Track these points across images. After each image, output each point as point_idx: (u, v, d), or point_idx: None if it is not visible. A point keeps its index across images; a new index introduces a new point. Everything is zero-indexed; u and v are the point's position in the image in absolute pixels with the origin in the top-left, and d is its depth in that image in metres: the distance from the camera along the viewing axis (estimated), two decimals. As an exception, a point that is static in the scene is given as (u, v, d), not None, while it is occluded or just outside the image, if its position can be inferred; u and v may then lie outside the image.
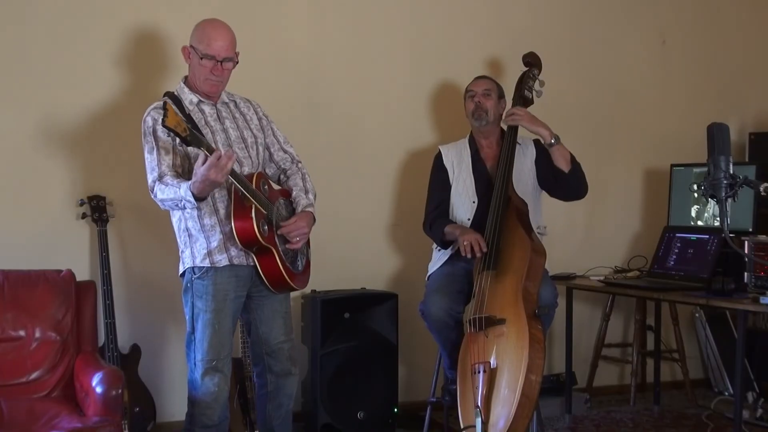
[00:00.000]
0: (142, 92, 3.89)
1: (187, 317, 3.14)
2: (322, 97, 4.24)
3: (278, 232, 3.09)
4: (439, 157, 3.93)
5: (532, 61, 4.01)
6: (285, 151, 3.33)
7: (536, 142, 3.89)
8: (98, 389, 3.00)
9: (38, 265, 3.47)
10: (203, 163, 2.78)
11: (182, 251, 3.17)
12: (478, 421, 3.19)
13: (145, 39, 3.92)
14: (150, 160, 3.04)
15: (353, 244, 4.28)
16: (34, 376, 3.27)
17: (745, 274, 3.71)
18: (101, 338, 3.65)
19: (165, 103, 2.77)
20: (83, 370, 3.23)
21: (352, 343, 3.96)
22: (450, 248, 3.79)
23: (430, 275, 3.84)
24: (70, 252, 3.81)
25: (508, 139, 3.75)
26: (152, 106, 3.07)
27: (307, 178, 3.31)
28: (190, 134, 2.77)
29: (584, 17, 4.81)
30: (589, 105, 4.81)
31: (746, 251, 3.73)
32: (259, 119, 3.28)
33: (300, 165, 3.34)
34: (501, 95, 3.90)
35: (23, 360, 3.27)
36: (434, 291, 3.63)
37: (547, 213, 3.98)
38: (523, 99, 3.90)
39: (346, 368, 3.94)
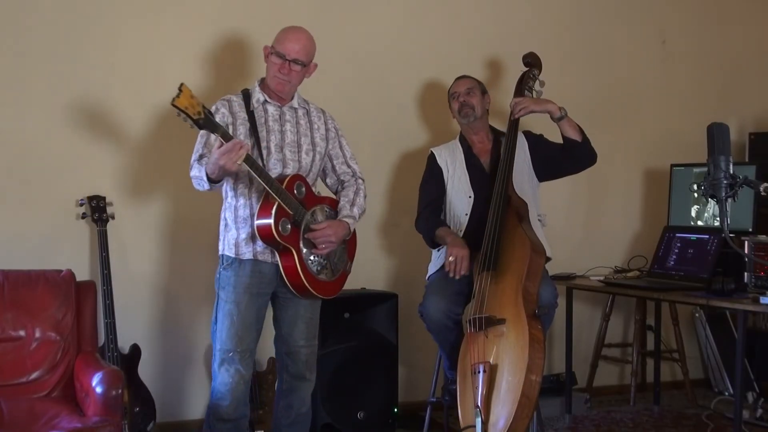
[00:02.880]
0: (143, 93, 3.90)
1: (214, 306, 3.21)
2: (321, 97, 4.22)
3: (305, 236, 3.13)
4: (432, 158, 3.94)
5: (532, 62, 4.01)
6: (348, 166, 3.40)
7: (527, 134, 3.90)
8: (98, 389, 3.00)
9: (38, 265, 3.47)
10: (218, 148, 2.91)
11: (219, 239, 3.25)
12: (478, 421, 3.19)
13: (145, 39, 3.92)
14: (199, 142, 3.15)
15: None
16: (34, 376, 3.27)
17: (745, 274, 3.71)
18: (101, 338, 3.65)
19: (181, 84, 2.83)
20: (83, 370, 3.23)
21: (352, 343, 3.96)
22: (438, 249, 3.81)
23: (429, 276, 3.84)
24: (70, 252, 3.81)
25: (508, 139, 3.76)
26: (222, 98, 3.21)
27: (361, 194, 3.37)
28: (204, 117, 2.85)
29: (584, 17, 4.81)
30: (589, 105, 4.80)
31: (746, 251, 3.73)
32: (327, 130, 3.35)
33: (360, 182, 3.41)
34: (484, 91, 3.93)
35: (23, 360, 3.27)
36: (433, 293, 3.64)
37: (548, 213, 3.98)
38: (523, 99, 3.92)
39: (346, 368, 3.94)
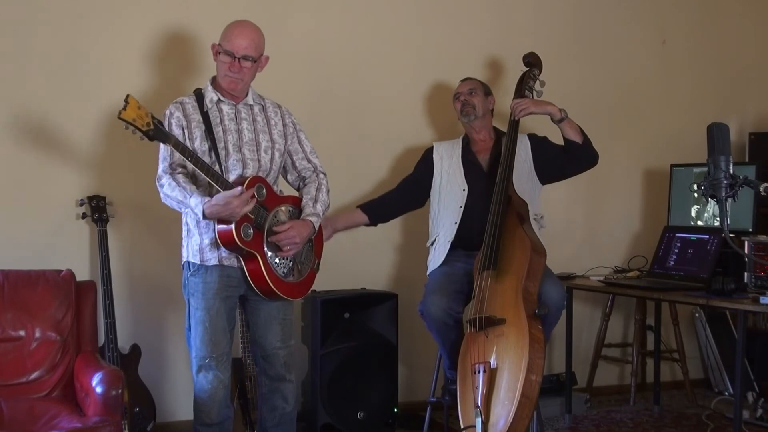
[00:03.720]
0: (143, 92, 3.90)
1: (185, 313, 3.17)
2: (324, 97, 4.24)
3: (268, 239, 3.07)
4: (429, 151, 3.99)
5: (532, 62, 4.01)
6: (309, 161, 3.33)
7: (530, 136, 3.91)
8: (98, 389, 3.00)
9: (38, 265, 3.47)
10: (224, 202, 2.90)
11: (182, 245, 3.21)
12: (478, 421, 3.19)
13: (144, 40, 3.92)
14: (163, 149, 3.09)
15: (353, 244, 4.27)
16: (34, 376, 3.27)
17: (745, 274, 3.71)
18: (101, 338, 3.65)
19: (127, 96, 2.79)
20: (83, 370, 3.23)
21: (352, 343, 3.96)
22: (431, 242, 3.88)
23: (429, 274, 3.84)
24: (70, 252, 3.81)
25: (509, 140, 3.76)
26: (174, 102, 3.15)
27: (323, 189, 3.29)
28: (153, 128, 2.82)
29: (585, 17, 4.81)
30: (589, 105, 4.80)
31: (746, 251, 3.73)
32: (285, 125, 3.28)
33: (322, 176, 3.33)
34: (487, 92, 3.95)
35: (23, 360, 3.27)
36: (433, 291, 3.64)
37: (548, 213, 3.97)
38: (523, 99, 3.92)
39: (346, 368, 3.94)
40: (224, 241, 2.99)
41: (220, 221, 2.98)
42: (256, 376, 3.57)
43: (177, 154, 2.99)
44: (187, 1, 4.02)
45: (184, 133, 3.06)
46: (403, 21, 4.42)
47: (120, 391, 3.00)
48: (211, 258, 3.08)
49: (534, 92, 3.94)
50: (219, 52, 3.11)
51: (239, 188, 2.91)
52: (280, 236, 3.08)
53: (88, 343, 3.42)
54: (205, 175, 2.94)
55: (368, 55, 4.34)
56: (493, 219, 3.58)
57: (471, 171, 3.85)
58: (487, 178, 3.77)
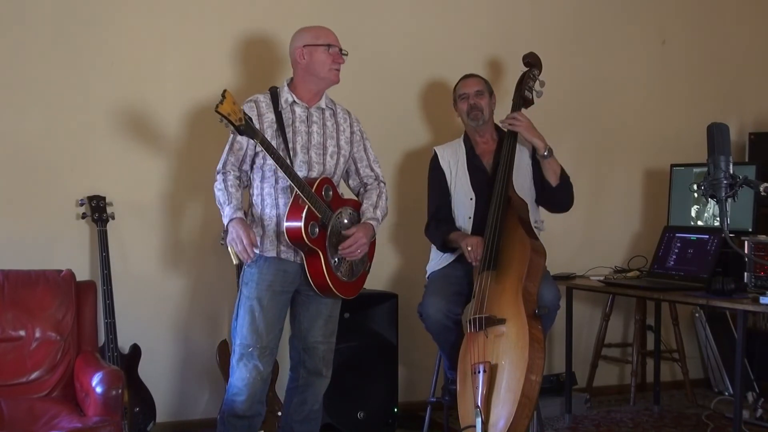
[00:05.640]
0: (143, 92, 3.90)
1: (236, 303, 3.23)
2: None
3: (339, 250, 3.18)
4: (435, 159, 3.92)
5: (532, 62, 4.01)
6: (372, 169, 3.44)
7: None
8: (98, 389, 3.00)
9: (38, 265, 3.47)
10: (239, 236, 3.05)
11: None
12: (478, 421, 3.19)
13: (144, 40, 3.92)
14: (229, 144, 3.23)
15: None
16: (34, 376, 3.27)
17: (745, 274, 3.71)
18: (101, 338, 3.65)
19: (225, 91, 2.90)
20: (83, 370, 3.23)
21: (352, 343, 3.96)
22: (450, 253, 3.79)
23: (428, 276, 3.84)
24: (70, 252, 3.81)
25: (509, 140, 3.76)
26: (248, 99, 3.26)
27: (383, 197, 3.40)
28: (245, 124, 2.93)
29: (584, 17, 4.81)
30: (589, 105, 4.81)
31: (746, 251, 3.73)
32: (352, 133, 3.38)
33: (383, 185, 3.44)
34: (491, 92, 3.93)
35: (23, 360, 3.26)
36: (432, 293, 3.64)
37: (548, 213, 3.97)
38: (523, 99, 3.91)
39: (346, 368, 3.93)
40: (292, 236, 3.09)
41: (289, 216, 3.09)
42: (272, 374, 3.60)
43: (235, 154, 3.19)
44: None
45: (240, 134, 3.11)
46: (403, 21, 4.41)
47: (120, 391, 3.00)
48: (270, 250, 3.17)
49: (534, 92, 3.93)
50: (325, 46, 3.22)
51: (256, 252, 3.09)
52: (350, 241, 3.19)
53: (88, 343, 3.42)
54: (285, 175, 3.04)
55: (368, 54, 4.33)
56: (493, 219, 3.58)
57: (476, 177, 3.81)
58: (492, 184, 3.72)
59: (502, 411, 3.20)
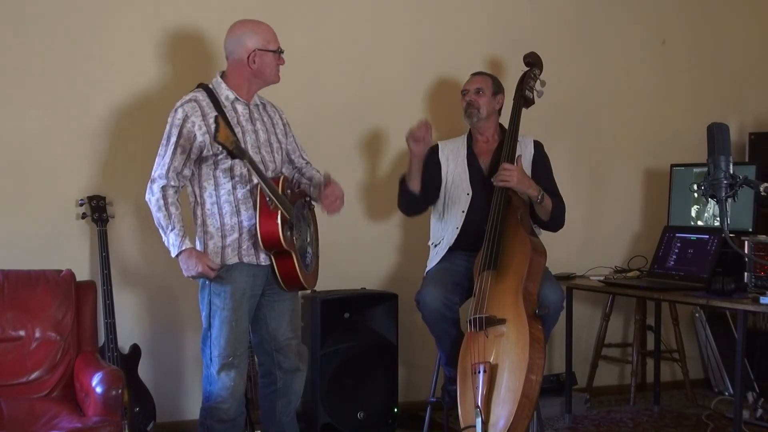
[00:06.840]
0: (143, 93, 3.90)
1: (203, 314, 3.16)
2: (322, 96, 4.24)
3: (325, 206, 3.22)
4: (434, 150, 3.90)
5: (533, 61, 4.01)
6: (303, 158, 3.42)
7: (536, 142, 3.89)
8: (98, 389, 3.00)
9: (38, 265, 3.47)
10: (200, 265, 2.99)
11: (204, 248, 3.15)
12: (478, 421, 3.19)
13: (144, 40, 3.92)
14: (163, 152, 3.06)
15: (353, 244, 4.28)
16: (34, 376, 3.27)
17: (745, 274, 3.70)
18: (101, 338, 3.65)
19: (216, 117, 2.84)
20: (83, 370, 3.23)
21: (352, 343, 3.96)
22: (435, 245, 3.81)
23: (428, 271, 3.83)
24: (70, 252, 3.81)
25: (509, 140, 3.75)
26: (185, 99, 3.08)
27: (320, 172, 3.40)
28: (236, 148, 2.85)
29: (584, 17, 4.81)
30: (589, 105, 4.81)
31: (746, 251, 3.73)
32: (284, 125, 3.34)
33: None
34: (496, 91, 3.89)
35: (23, 360, 3.26)
36: (430, 282, 3.63)
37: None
38: (524, 99, 3.92)
39: (346, 368, 3.94)
40: (268, 242, 3.04)
41: (263, 223, 3.02)
42: (255, 376, 3.59)
43: (176, 163, 3.01)
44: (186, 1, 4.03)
45: (205, 137, 3.03)
46: (403, 21, 4.41)
47: (120, 391, 3.00)
48: (232, 257, 3.10)
49: (534, 92, 3.94)
50: (277, 53, 3.15)
51: (214, 275, 3.02)
52: (333, 192, 3.24)
53: (88, 343, 3.42)
54: (269, 193, 2.98)
55: (368, 54, 4.34)
56: (493, 219, 3.58)
57: (474, 174, 3.83)
58: (488, 182, 3.72)
59: (502, 411, 3.20)
